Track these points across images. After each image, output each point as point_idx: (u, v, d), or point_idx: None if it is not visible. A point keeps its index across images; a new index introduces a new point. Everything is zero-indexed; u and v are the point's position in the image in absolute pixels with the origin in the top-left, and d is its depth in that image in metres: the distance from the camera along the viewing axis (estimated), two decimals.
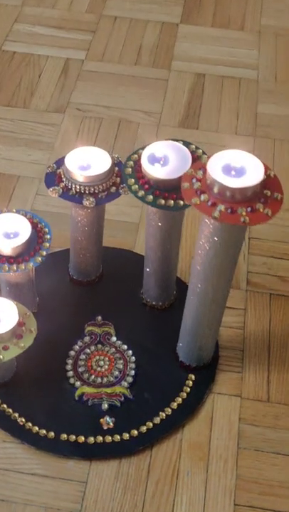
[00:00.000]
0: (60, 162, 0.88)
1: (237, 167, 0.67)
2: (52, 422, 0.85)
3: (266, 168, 0.70)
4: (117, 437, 0.84)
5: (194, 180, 0.69)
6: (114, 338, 0.93)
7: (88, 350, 0.92)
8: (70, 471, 0.82)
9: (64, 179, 0.84)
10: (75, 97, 1.31)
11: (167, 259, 0.90)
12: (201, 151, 0.80)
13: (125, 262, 1.03)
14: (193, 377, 0.90)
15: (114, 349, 0.92)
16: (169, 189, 0.76)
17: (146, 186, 0.76)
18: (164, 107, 1.30)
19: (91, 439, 0.84)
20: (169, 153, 0.77)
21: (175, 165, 0.76)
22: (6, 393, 0.87)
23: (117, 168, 0.86)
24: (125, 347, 0.92)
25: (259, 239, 1.08)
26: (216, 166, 0.68)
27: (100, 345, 0.92)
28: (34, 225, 0.86)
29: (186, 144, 0.80)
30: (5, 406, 0.86)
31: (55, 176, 0.86)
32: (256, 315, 0.99)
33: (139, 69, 1.37)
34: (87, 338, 0.93)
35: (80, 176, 0.82)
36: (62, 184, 0.84)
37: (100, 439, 0.84)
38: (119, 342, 0.93)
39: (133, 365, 0.91)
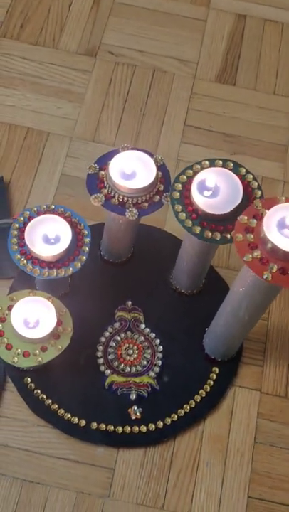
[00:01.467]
0: (101, 161, 0.85)
1: None
2: (83, 410, 0.91)
3: None
4: (144, 428, 0.90)
5: (247, 232, 0.68)
6: (142, 326, 0.96)
7: (118, 338, 0.95)
8: (99, 458, 0.89)
9: (106, 185, 0.82)
10: (107, 37, 1.22)
11: (203, 261, 0.90)
12: (251, 176, 0.78)
13: (156, 241, 1.03)
14: (217, 370, 0.95)
15: (142, 337, 0.96)
16: (217, 220, 0.75)
17: (194, 216, 0.75)
18: (200, 54, 1.22)
19: (119, 429, 0.90)
20: (220, 182, 0.75)
21: (225, 196, 0.75)
22: (39, 379, 0.92)
23: (160, 174, 0.84)
24: (153, 335, 0.96)
25: None
26: (272, 222, 0.67)
27: (129, 333, 0.96)
28: (74, 226, 0.86)
29: (236, 166, 0.78)
30: (39, 391, 0.91)
31: (97, 179, 0.83)
32: (280, 306, 1.01)
33: (175, 5, 1.27)
34: (117, 324, 0.96)
35: (124, 186, 0.80)
36: (104, 191, 0.82)
37: (128, 429, 0.90)
38: (147, 330, 0.96)
39: (160, 355, 0.95)
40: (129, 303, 0.98)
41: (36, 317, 0.84)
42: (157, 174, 0.82)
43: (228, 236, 0.75)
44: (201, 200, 0.74)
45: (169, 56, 1.22)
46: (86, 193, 0.83)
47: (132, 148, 0.84)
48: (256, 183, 0.77)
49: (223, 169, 0.76)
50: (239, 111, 1.17)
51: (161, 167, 0.85)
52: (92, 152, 1.10)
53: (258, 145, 1.14)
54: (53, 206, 0.87)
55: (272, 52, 1.24)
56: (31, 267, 0.83)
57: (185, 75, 1.20)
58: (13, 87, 1.15)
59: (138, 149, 0.85)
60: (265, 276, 0.66)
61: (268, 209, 0.69)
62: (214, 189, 0.75)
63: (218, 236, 0.75)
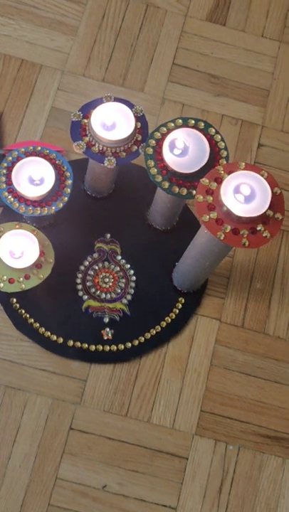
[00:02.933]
0: (85, 109, 0.92)
1: (246, 194, 0.75)
2: (61, 329, 1.03)
3: (274, 185, 0.78)
4: (114, 347, 1.03)
5: (207, 194, 0.77)
6: (119, 257, 1.07)
7: (96, 267, 1.06)
8: (73, 371, 1.02)
9: (88, 134, 0.90)
10: None
11: (176, 206, 0.99)
12: (219, 137, 0.85)
13: (137, 179, 1.11)
14: (182, 300, 1.06)
15: (118, 268, 1.06)
16: (184, 177, 0.84)
17: (164, 171, 0.84)
18: None
19: (92, 347, 1.02)
20: (190, 142, 0.83)
21: (193, 156, 0.83)
22: (24, 300, 1.03)
23: (139, 124, 0.91)
24: (128, 266, 1.06)
25: (265, 165, 1.15)
26: (228, 188, 0.75)
27: (106, 263, 1.06)
28: (57, 168, 0.94)
29: (207, 126, 0.85)
30: (23, 311, 1.03)
31: (79, 127, 0.90)
32: None
33: None
34: (96, 255, 1.07)
35: (104, 138, 0.88)
36: (86, 139, 0.90)
37: (100, 347, 1.02)
38: (123, 261, 1.07)
39: (133, 284, 1.06)
40: (108, 235, 1.08)
41: (21, 249, 0.93)
42: (136, 126, 0.90)
43: (193, 192, 0.84)
44: (170, 158, 0.82)
45: None
46: None
47: (114, 99, 0.91)
48: (223, 144, 0.85)
49: (194, 130, 0.83)
50: (226, 52, 1.21)
51: (140, 118, 0.92)
52: (82, 87, 1.16)
53: (241, 88, 1.20)
54: (39, 148, 0.95)
55: None
56: (17, 204, 0.92)
57: (177, 11, 1.23)
58: (9, 16, 1.19)
59: (120, 100, 0.91)
60: (218, 235, 0.76)
61: (229, 173, 0.77)
62: (183, 149, 0.83)
63: (184, 191, 0.84)
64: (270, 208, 0.77)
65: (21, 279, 0.94)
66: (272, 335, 1.07)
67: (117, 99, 0.91)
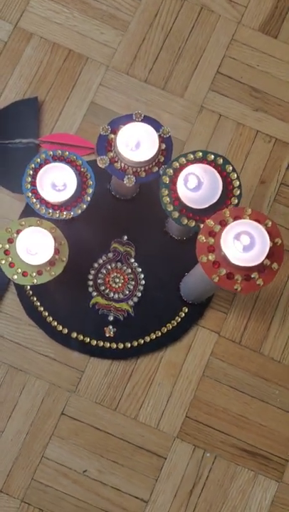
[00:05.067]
0: (115, 123, 0.95)
1: (245, 244, 0.78)
2: (67, 320, 1.09)
3: (276, 235, 0.80)
4: (114, 345, 1.09)
5: (210, 235, 0.80)
6: (132, 260, 1.11)
7: (109, 266, 1.11)
8: (73, 361, 1.09)
9: (113, 150, 0.93)
10: None
11: None
12: (235, 175, 0.87)
13: None
14: (186, 309, 1.11)
15: (130, 270, 1.11)
16: (195, 210, 0.87)
17: (176, 202, 0.87)
18: None
19: (94, 342, 1.09)
20: (205, 178, 0.86)
21: (206, 192, 0.86)
22: (37, 288, 1.09)
23: (164, 146, 0.94)
24: (139, 270, 1.11)
25: None
26: (229, 235, 0.79)
27: (119, 264, 1.11)
28: (81, 175, 0.98)
29: (225, 163, 0.87)
30: (34, 299, 1.10)
31: (106, 141, 0.94)
32: None
33: None
34: (110, 254, 1.11)
35: (127, 158, 0.91)
36: (110, 154, 0.93)
37: (100, 343, 1.09)
38: (135, 264, 1.11)
39: (141, 288, 1.11)
40: (125, 237, 1.12)
41: (37, 246, 0.99)
42: (159, 148, 0.93)
43: (201, 225, 0.87)
44: (183, 192, 0.86)
45: None
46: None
47: (143, 117, 0.94)
48: (238, 183, 0.88)
49: (210, 168, 0.86)
50: (273, 66, 1.21)
51: (166, 139, 0.95)
52: (124, 85, 1.18)
53: (281, 105, 1.20)
54: (67, 153, 0.99)
55: None
56: (39, 206, 0.97)
57: (231, 18, 1.23)
58: (64, 3, 1.21)
59: (149, 119, 0.94)
60: (213, 278, 0.80)
61: (234, 219, 0.80)
62: (197, 184, 0.85)
63: (192, 223, 0.88)
64: (268, 257, 0.80)
65: (34, 274, 1.00)
66: (267, 355, 1.11)
67: (146, 118, 0.94)
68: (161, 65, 1.20)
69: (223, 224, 0.80)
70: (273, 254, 0.80)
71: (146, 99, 1.18)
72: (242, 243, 0.78)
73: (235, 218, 0.80)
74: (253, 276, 0.80)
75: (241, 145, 1.17)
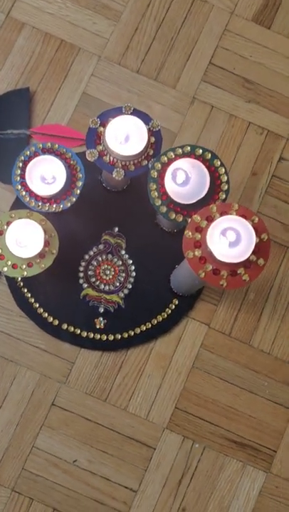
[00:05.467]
0: (104, 116, 0.94)
1: (231, 240, 0.78)
2: (58, 312, 1.10)
3: (263, 231, 0.81)
4: (104, 337, 1.09)
5: (196, 231, 0.81)
6: (123, 252, 1.12)
7: (100, 258, 1.11)
8: (64, 352, 1.09)
9: (102, 143, 0.93)
10: None
11: None
12: (223, 170, 0.87)
13: None
14: (176, 301, 1.11)
15: (120, 262, 1.11)
16: (182, 205, 0.87)
17: (164, 197, 0.87)
18: None
19: (84, 333, 1.09)
20: (192, 173, 0.85)
21: (193, 187, 0.86)
22: (27, 280, 1.10)
23: (153, 139, 0.93)
24: (130, 262, 1.11)
25: (281, 179, 1.17)
26: (215, 231, 0.79)
27: (110, 256, 1.11)
28: (71, 167, 0.98)
29: (213, 157, 0.87)
30: (25, 290, 1.10)
31: (95, 135, 0.94)
32: None
33: None
34: (101, 246, 1.12)
35: (116, 152, 0.91)
36: (99, 147, 0.93)
37: (91, 334, 1.09)
38: (126, 256, 1.11)
39: (132, 280, 1.11)
40: (116, 229, 1.12)
41: (27, 239, 0.99)
42: (149, 141, 0.92)
43: (188, 220, 0.87)
44: (171, 186, 0.86)
45: None
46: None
47: (133, 110, 0.93)
48: (226, 177, 0.87)
49: (198, 162, 0.86)
50: (266, 57, 1.20)
51: (155, 132, 0.94)
52: (116, 76, 1.18)
53: (274, 97, 1.19)
54: (56, 146, 0.99)
55: None
56: (28, 198, 0.97)
57: (224, 8, 1.22)
58: None
59: (139, 112, 0.94)
60: (199, 273, 0.80)
61: (221, 214, 0.80)
62: (185, 179, 0.85)
63: (180, 218, 0.88)
64: (254, 253, 0.80)
65: (24, 266, 1.00)
66: (257, 347, 1.11)
67: (136, 111, 0.94)
68: (153, 56, 1.19)
69: (210, 219, 0.80)
70: (260, 249, 0.81)
71: (138, 90, 1.17)
72: (228, 239, 0.78)
73: (222, 214, 0.80)
74: (239, 271, 0.80)
75: (233, 137, 1.17)
